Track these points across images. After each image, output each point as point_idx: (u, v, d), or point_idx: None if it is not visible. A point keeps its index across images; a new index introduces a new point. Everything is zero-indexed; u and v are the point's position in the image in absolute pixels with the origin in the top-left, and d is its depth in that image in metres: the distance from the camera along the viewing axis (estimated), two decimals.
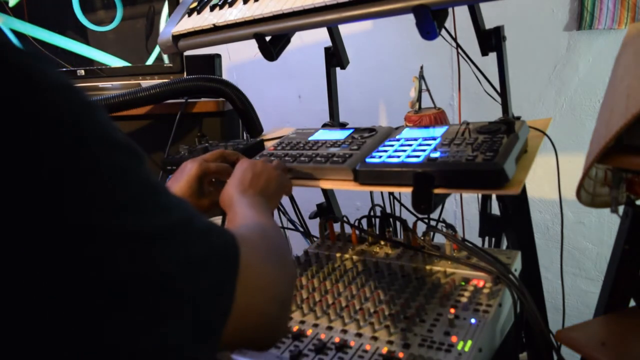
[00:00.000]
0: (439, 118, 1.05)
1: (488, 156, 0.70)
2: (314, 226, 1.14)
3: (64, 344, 0.30)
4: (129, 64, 1.55)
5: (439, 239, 0.91)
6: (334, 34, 1.08)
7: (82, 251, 0.30)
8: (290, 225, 1.30)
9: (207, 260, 0.38)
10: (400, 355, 0.64)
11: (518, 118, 0.92)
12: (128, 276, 0.32)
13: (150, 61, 1.54)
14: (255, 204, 0.67)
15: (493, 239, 1.10)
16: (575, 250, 1.67)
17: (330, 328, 0.73)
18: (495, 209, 1.05)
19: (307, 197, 1.22)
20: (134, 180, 0.34)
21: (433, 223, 1.00)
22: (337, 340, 0.69)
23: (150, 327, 0.33)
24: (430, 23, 0.74)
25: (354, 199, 1.92)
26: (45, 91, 0.30)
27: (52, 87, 0.31)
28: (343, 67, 1.11)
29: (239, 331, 0.41)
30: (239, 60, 2.11)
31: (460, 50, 1.06)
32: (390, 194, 1.16)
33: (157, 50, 1.52)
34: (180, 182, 0.78)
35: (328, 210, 1.20)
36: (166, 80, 1.30)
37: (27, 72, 0.30)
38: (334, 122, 1.15)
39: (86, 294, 0.30)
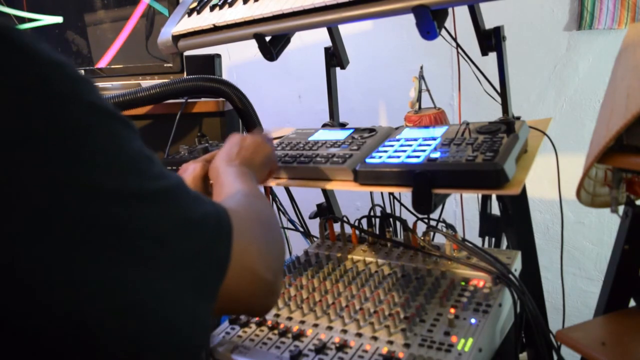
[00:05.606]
0: (439, 118, 1.05)
1: (488, 156, 0.70)
2: (314, 226, 1.14)
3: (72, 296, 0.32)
4: (128, 64, 1.55)
5: (439, 239, 0.91)
6: (334, 34, 1.08)
7: (83, 209, 0.32)
8: (290, 225, 1.30)
9: (201, 222, 0.41)
10: (400, 355, 0.64)
11: (518, 118, 0.92)
12: (127, 233, 0.34)
13: (150, 61, 1.54)
14: (242, 174, 0.67)
15: (493, 239, 1.11)
16: (575, 250, 1.67)
17: (330, 328, 0.73)
18: (495, 209, 1.05)
19: (307, 197, 1.22)
20: (130, 147, 0.37)
21: (433, 223, 1.00)
22: (337, 340, 0.69)
23: (147, 282, 0.35)
24: (430, 23, 0.74)
25: (354, 199, 1.92)
26: (42, 66, 0.33)
27: (48, 62, 0.34)
28: (343, 67, 1.11)
29: (235, 295, 0.43)
30: (239, 60, 2.11)
31: (460, 50, 1.06)
32: (390, 194, 1.16)
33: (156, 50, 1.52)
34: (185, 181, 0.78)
35: (328, 210, 1.20)
36: (166, 80, 1.30)
37: (27, 50, 0.33)
38: (334, 122, 1.14)
39: (84, 248, 0.32)
